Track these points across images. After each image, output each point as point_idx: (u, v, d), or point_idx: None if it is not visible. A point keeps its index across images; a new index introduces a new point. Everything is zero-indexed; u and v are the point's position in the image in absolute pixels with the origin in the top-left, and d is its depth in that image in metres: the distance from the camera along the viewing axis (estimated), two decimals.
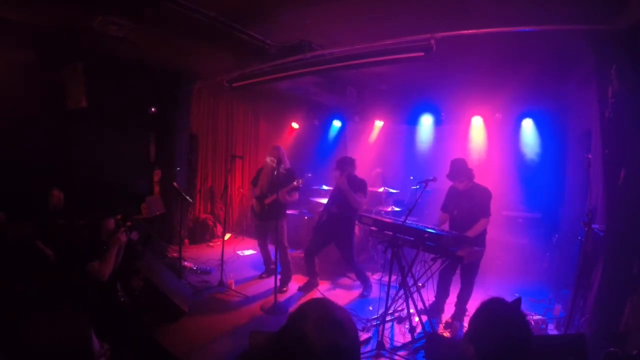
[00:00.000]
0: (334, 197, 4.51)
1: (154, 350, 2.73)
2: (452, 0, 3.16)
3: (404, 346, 3.28)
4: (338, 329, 1.03)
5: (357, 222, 4.52)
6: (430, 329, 3.43)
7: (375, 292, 4.43)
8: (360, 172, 4.69)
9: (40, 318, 1.84)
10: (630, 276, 2.77)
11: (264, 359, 1.12)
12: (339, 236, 4.46)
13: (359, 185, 4.39)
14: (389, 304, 3.28)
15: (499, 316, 1.35)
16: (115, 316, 2.92)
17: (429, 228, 3.42)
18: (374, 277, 5.01)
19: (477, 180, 3.78)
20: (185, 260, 5.07)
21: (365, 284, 4.57)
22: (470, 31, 3.37)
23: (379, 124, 7.65)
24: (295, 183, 4.42)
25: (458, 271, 3.82)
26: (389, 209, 5.65)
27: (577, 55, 3.96)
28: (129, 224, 3.17)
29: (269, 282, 4.57)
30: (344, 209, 4.36)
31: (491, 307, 1.41)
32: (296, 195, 4.60)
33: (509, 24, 3.27)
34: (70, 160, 4.96)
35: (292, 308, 4.05)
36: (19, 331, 1.06)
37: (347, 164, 4.43)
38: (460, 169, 3.72)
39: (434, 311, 3.87)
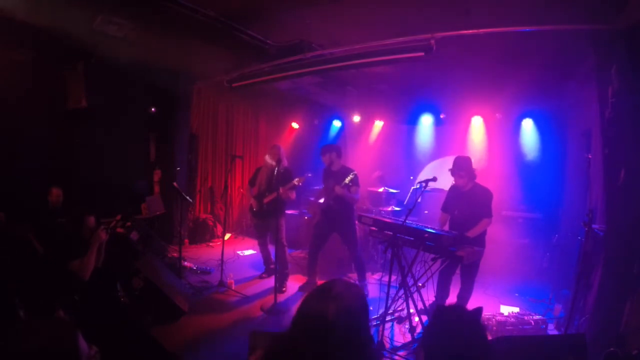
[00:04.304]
0: (329, 193, 4.50)
1: (153, 350, 2.73)
2: (452, 0, 3.16)
3: (404, 346, 3.28)
4: (332, 297, 1.09)
5: (357, 222, 4.53)
6: None
7: (375, 292, 4.42)
8: (361, 173, 4.68)
9: (24, 319, 1.82)
10: (631, 276, 2.77)
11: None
12: (342, 224, 4.46)
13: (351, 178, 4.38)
14: (389, 304, 3.28)
15: (453, 326, 1.25)
16: (115, 316, 2.91)
17: (428, 228, 3.41)
18: (374, 277, 5.02)
19: (477, 180, 3.78)
20: (185, 260, 5.07)
21: (362, 281, 4.56)
22: (470, 31, 3.37)
23: (379, 124, 7.65)
24: (295, 181, 4.42)
25: (458, 271, 3.82)
26: (389, 209, 5.65)
27: (577, 55, 3.96)
28: (128, 224, 3.16)
29: (269, 282, 4.57)
30: (343, 204, 4.38)
31: (447, 314, 1.33)
32: (294, 195, 4.60)
33: (509, 24, 3.27)
34: (70, 160, 4.97)
35: (292, 308, 4.07)
36: (3, 334, 1.05)
37: (330, 150, 4.45)
38: (461, 165, 3.70)
39: None
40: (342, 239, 4.59)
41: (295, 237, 6.12)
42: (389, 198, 6.03)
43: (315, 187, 6.37)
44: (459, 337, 1.21)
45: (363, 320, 1.16)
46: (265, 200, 4.55)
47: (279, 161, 4.42)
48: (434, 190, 5.19)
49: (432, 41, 3.41)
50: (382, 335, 3.18)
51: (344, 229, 4.49)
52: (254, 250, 5.93)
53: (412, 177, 5.77)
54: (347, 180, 4.21)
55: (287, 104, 7.73)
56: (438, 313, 1.35)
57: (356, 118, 7.64)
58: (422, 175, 6.71)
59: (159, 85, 6.01)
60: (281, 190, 4.31)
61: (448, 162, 3.89)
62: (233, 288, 4.43)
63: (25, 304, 1.99)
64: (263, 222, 4.71)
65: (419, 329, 3.43)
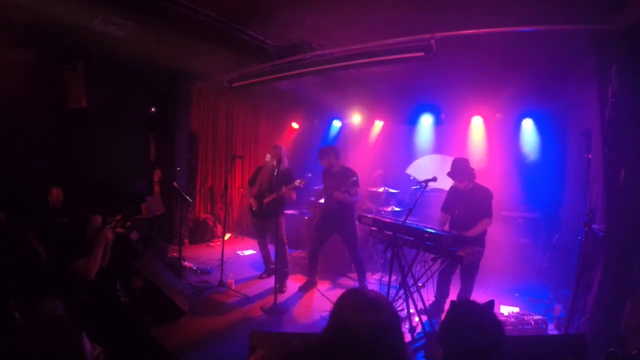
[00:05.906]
0: (329, 194, 4.50)
1: (153, 350, 2.73)
2: (452, 1, 3.16)
3: None
4: (374, 308, 1.09)
5: (357, 222, 4.53)
6: (430, 329, 3.42)
7: None
8: (361, 172, 4.69)
9: (28, 320, 1.82)
10: (631, 276, 2.78)
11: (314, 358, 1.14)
12: (342, 225, 4.46)
13: (350, 178, 4.38)
14: None
15: (469, 319, 1.30)
16: (115, 316, 2.91)
17: (428, 228, 3.41)
18: (374, 277, 5.02)
19: (477, 180, 3.78)
20: (185, 260, 5.07)
21: (362, 282, 4.57)
22: (470, 31, 3.37)
23: (379, 124, 7.65)
24: (297, 183, 4.42)
25: (458, 271, 3.83)
26: (389, 209, 5.65)
27: (577, 56, 3.96)
28: (128, 224, 3.15)
29: (269, 282, 4.57)
30: (343, 205, 4.38)
31: (462, 309, 1.36)
32: (294, 195, 4.61)
33: (509, 24, 3.27)
34: (70, 160, 4.97)
35: (292, 308, 4.08)
36: (5, 335, 1.05)
37: (327, 152, 4.46)
38: (461, 169, 3.71)
39: (434, 311, 3.86)
40: (342, 239, 4.59)
41: (295, 237, 6.12)
42: (389, 198, 6.03)
43: (315, 187, 6.37)
44: (475, 329, 1.24)
45: (400, 326, 1.20)
46: (266, 200, 4.55)
47: (279, 161, 4.42)
48: (434, 190, 5.19)
49: (432, 41, 3.41)
50: None
51: (344, 230, 4.49)
52: (254, 250, 5.93)
53: (412, 177, 5.77)
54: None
55: (287, 104, 7.72)
56: (453, 308, 1.38)
57: (356, 118, 7.64)
58: (412, 169, 6.73)
59: (159, 85, 6.01)
60: (284, 189, 4.32)
61: (442, 159, 3.89)
62: (233, 288, 4.43)
63: (24, 304, 1.99)
64: (262, 222, 4.71)
65: (419, 329, 3.43)
